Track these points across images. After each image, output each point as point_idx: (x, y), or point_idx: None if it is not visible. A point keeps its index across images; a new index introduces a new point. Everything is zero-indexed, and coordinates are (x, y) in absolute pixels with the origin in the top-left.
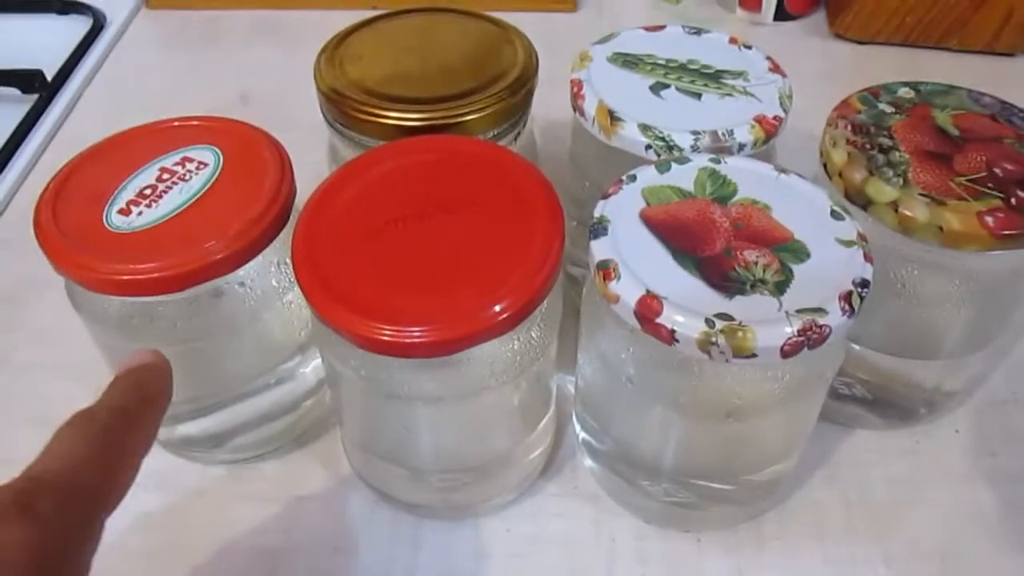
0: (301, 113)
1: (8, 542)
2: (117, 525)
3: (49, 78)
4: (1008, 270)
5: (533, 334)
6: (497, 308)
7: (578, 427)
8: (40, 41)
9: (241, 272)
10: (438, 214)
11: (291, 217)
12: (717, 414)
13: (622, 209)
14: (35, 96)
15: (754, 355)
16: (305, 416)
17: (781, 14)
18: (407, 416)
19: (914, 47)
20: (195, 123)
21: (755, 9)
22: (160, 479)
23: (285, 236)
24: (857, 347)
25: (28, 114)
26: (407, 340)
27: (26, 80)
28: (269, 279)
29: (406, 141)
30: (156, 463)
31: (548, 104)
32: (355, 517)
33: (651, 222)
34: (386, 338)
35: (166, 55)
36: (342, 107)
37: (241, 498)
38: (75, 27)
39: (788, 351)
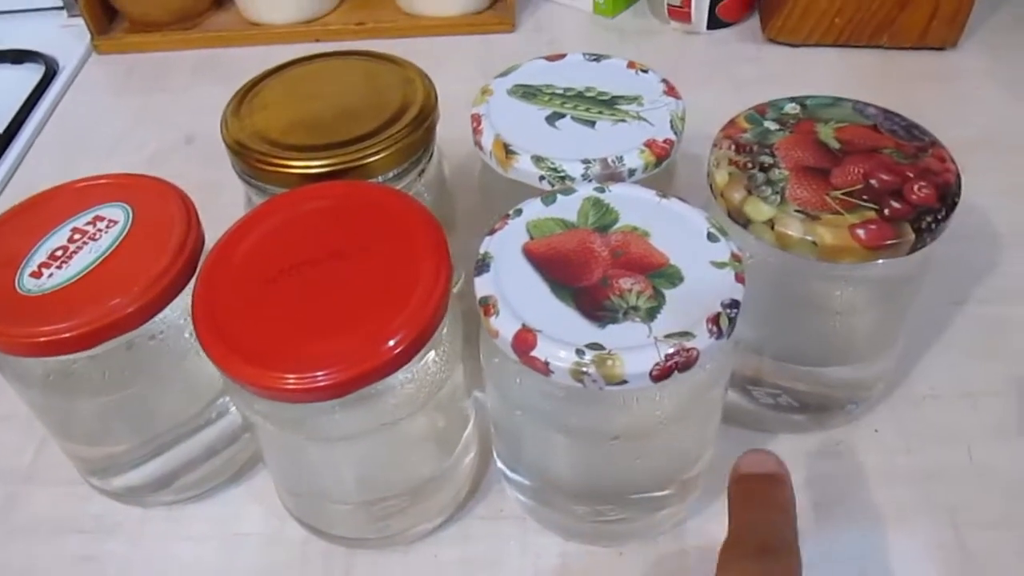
0: None
1: None
2: (57, 570)
3: (1, 128)
4: (891, 277)
5: (432, 363)
6: (391, 343)
7: (496, 454)
8: None
9: (151, 325)
10: (331, 260)
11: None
12: (605, 436)
13: (505, 244)
14: None
15: (625, 381)
16: (246, 448)
17: (714, 22)
18: (321, 454)
19: (847, 47)
20: (107, 181)
21: (685, 20)
22: (99, 524)
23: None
24: (768, 358)
25: None
26: (310, 386)
27: None
28: (182, 329)
29: (303, 189)
30: (96, 508)
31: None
32: (289, 552)
33: (532, 256)
34: (288, 386)
35: (115, 99)
36: (247, 159)
37: (180, 538)
38: (29, 76)
39: (658, 376)
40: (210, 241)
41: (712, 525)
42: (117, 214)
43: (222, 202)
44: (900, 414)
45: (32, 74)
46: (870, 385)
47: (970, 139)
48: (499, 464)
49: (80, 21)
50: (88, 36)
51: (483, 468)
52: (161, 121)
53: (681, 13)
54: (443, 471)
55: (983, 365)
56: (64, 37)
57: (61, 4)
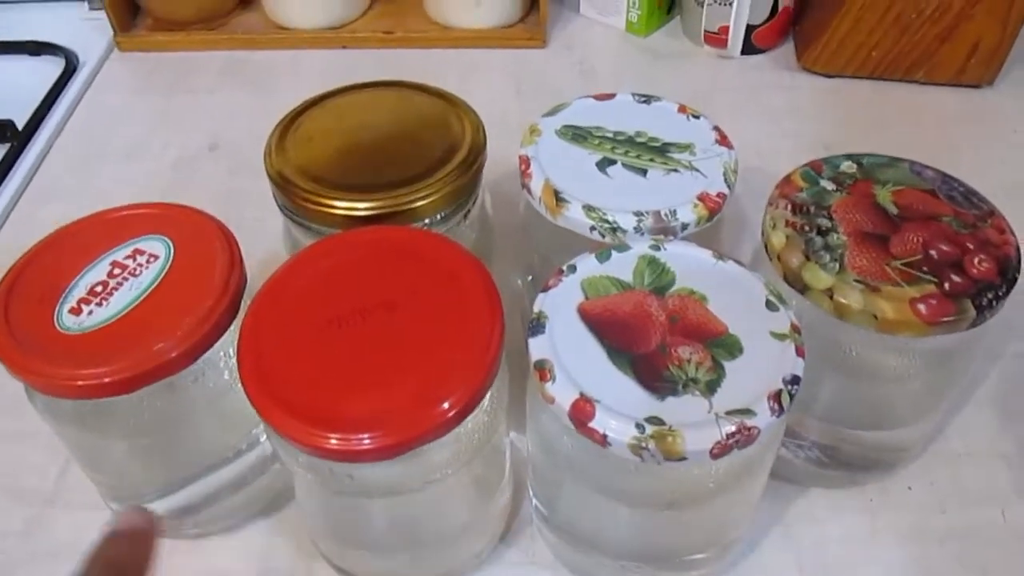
0: None
1: None
2: None
3: (21, 124)
4: (947, 349)
5: (483, 419)
6: (445, 405)
7: (531, 493)
8: (13, 82)
9: (194, 366)
10: (381, 311)
11: (243, 305)
12: (656, 504)
13: (560, 304)
14: (7, 145)
15: (684, 458)
16: (276, 479)
17: (749, 48)
18: (361, 507)
19: (881, 80)
20: (146, 211)
21: (721, 46)
22: None
23: (236, 324)
24: (810, 417)
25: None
26: (355, 448)
27: None
28: (221, 370)
29: (352, 233)
30: None
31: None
32: None
33: (588, 317)
34: (334, 445)
35: (137, 100)
36: (290, 195)
37: (206, 572)
38: (48, 69)
39: (718, 453)
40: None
41: None
42: (157, 248)
43: (249, 214)
44: (934, 471)
45: (51, 67)
46: (909, 447)
47: (1008, 184)
48: (535, 503)
49: (101, 14)
50: (110, 30)
51: (516, 508)
52: (184, 125)
53: (718, 39)
54: (479, 515)
55: (1017, 424)
56: (85, 30)
57: None
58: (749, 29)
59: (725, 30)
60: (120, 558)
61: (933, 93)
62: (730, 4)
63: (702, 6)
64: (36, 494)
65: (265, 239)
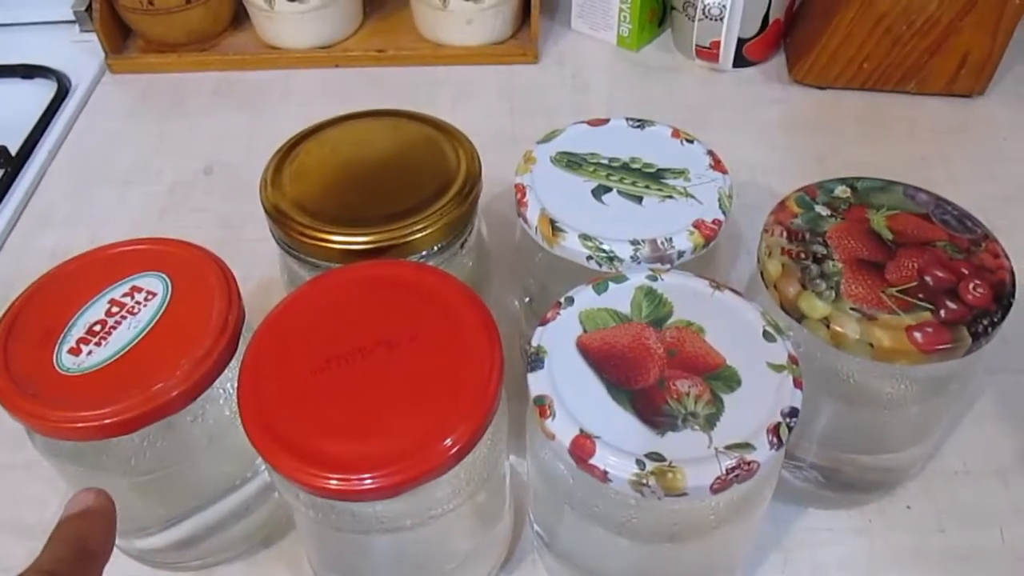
0: None
1: None
2: None
3: (15, 149)
4: (944, 375)
5: (484, 452)
6: (447, 443)
7: (532, 519)
8: (5, 106)
9: (193, 405)
10: (379, 348)
11: (241, 340)
12: (657, 537)
13: (559, 337)
14: (1, 171)
15: (684, 494)
16: (277, 508)
17: (740, 61)
18: (362, 542)
19: (873, 91)
20: (143, 247)
21: (713, 60)
22: None
23: (236, 360)
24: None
25: None
26: (357, 488)
27: None
28: (221, 406)
29: (348, 270)
30: (122, 570)
31: (506, 168)
32: None
33: (587, 351)
34: (336, 486)
35: (130, 123)
36: (287, 229)
37: None
38: (40, 92)
39: (718, 488)
40: (240, 282)
41: None
42: (155, 285)
43: (246, 237)
44: (933, 490)
45: (43, 90)
46: (908, 467)
47: (999, 195)
48: (536, 530)
49: (92, 36)
50: (101, 52)
51: (517, 533)
52: (179, 148)
53: (709, 54)
54: (481, 543)
55: (1015, 441)
56: (76, 52)
57: (72, 18)
58: (740, 42)
59: (716, 45)
60: (80, 535)
61: (925, 103)
62: (721, 19)
63: (693, 21)
64: (36, 527)
65: (262, 263)
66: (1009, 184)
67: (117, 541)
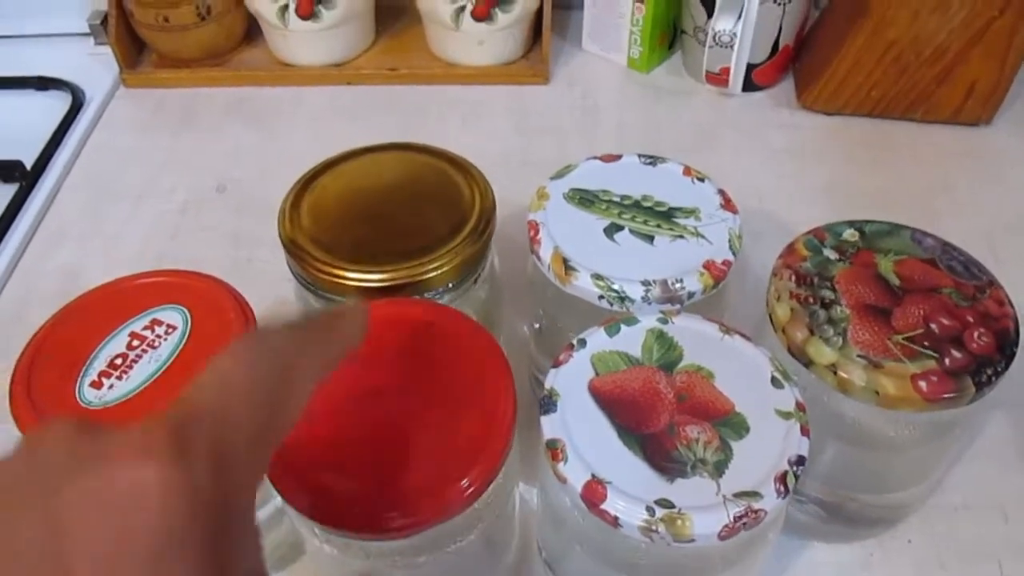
0: (276, 201)
1: (160, 486)
2: None
3: (30, 163)
4: (948, 420)
5: (496, 488)
6: (464, 483)
7: (539, 547)
8: (20, 118)
9: None
10: (395, 388)
11: None
12: None
13: (571, 381)
14: (15, 185)
15: (692, 540)
16: (288, 533)
17: (749, 85)
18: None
19: (880, 118)
20: (162, 279)
21: (722, 85)
22: None
23: None
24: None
25: (9, 205)
26: (375, 527)
27: (6, 170)
28: None
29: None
30: None
31: (515, 190)
32: None
33: (599, 395)
34: (351, 525)
35: (144, 139)
36: (303, 264)
37: None
38: (55, 104)
39: (725, 535)
40: (250, 298)
41: None
42: (175, 318)
43: (258, 256)
44: (933, 525)
45: (58, 102)
46: (909, 505)
47: (1003, 224)
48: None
49: (107, 49)
50: (116, 65)
51: (526, 559)
52: (192, 165)
53: (719, 80)
54: (490, 571)
55: (1014, 476)
56: (90, 65)
57: (87, 31)
58: (750, 68)
59: (726, 71)
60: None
61: (932, 131)
62: (731, 47)
63: (703, 46)
64: None
65: (275, 282)
66: (1015, 213)
67: None
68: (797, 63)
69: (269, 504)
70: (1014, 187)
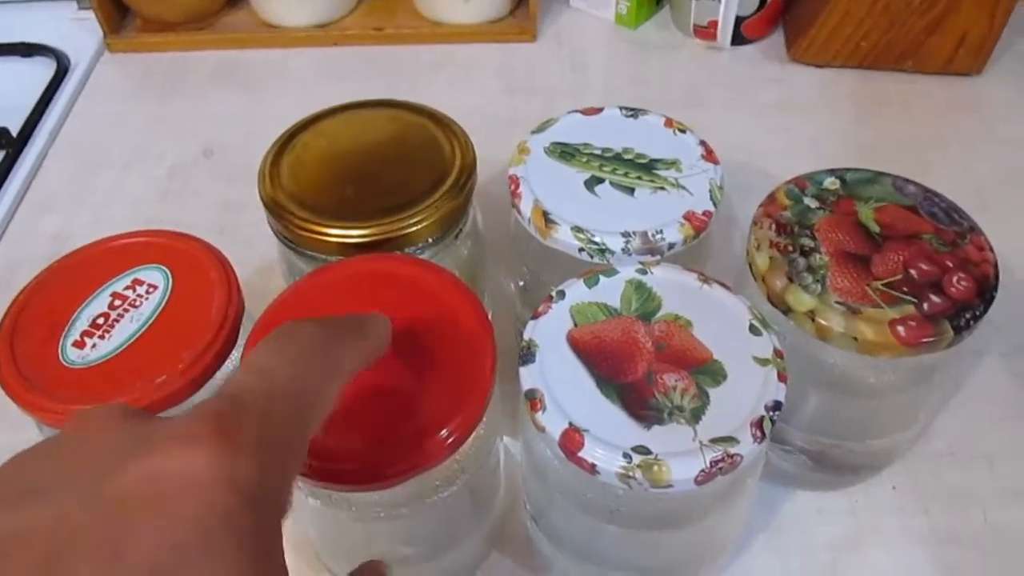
0: None
1: (209, 474)
2: None
3: (15, 130)
4: (928, 365)
5: (477, 441)
6: (443, 433)
7: (525, 500)
8: (4, 86)
9: (195, 396)
10: None
11: (241, 332)
12: (644, 525)
13: (550, 332)
14: (2, 152)
15: (670, 486)
16: None
17: (738, 38)
18: (362, 528)
19: (871, 70)
20: (143, 240)
21: (710, 39)
22: None
23: (236, 352)
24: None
25: None
26: (356, 478)
27: None
28: None
29: (345, 265)
30: None
31: (503, 149)
32: None
33: (577, 345)
34: (333, 477)
35: (130, 104)
36: (284, 222)
37: None
38: (40, 71)
39: (702, 480)
40: (237, 267)
41: None
42: (156, 278)
43: (245, 220)
44: (918, 472)
45: (42, 68)
46: (894, 450)
47: (992, 176)
48: (528, 511)
49: (90, 14)
50: (100, 30)
51: (512, 513)
52: (178, 130)
53: (707, 33)
54: (476, 524)
55: (1000, 424)
56: (75, 31)
57: None
58: (739, 20)
59: (714, 24)
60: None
61: (922, 83)
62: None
63: None
64: None
65: (262, 245)
66: (1004, 164)
67: None
68: (787, 15)
69: None
70: (1004, 138)
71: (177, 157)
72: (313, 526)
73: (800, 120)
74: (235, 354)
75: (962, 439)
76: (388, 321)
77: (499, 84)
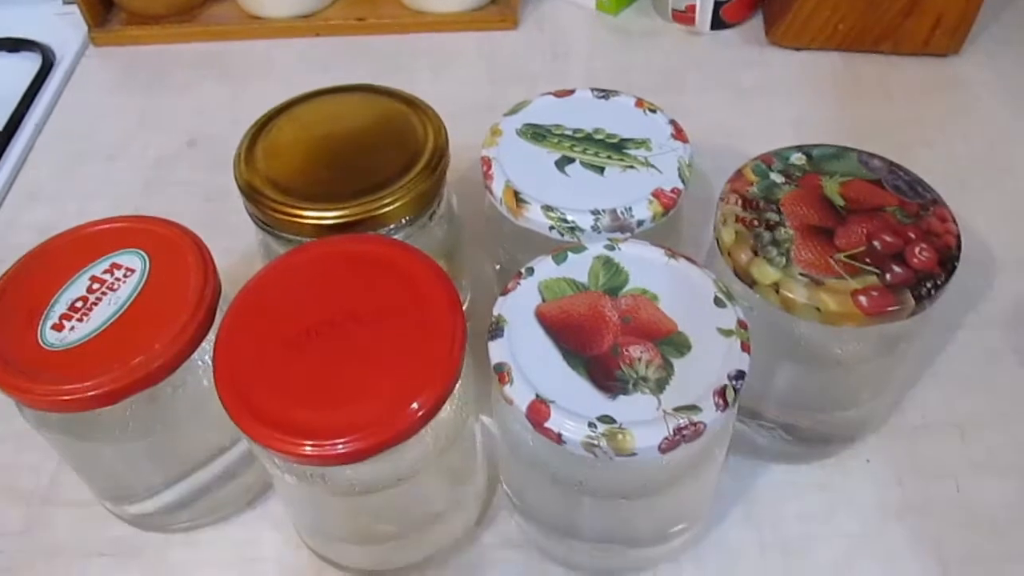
0: None
1: None
2: None
3: (1, 124)
4: (892, 335)
5: (450, 415)
6: (414, 406)
7: (503, 480)
8: None
9: (172, 377)
10: (348, 321)
11: (219, 314)
12: (614, 495)
13: (518, 307)
14: None
15: (634, 454)
16: (261, 473)
17: (718, 23)
18: (339, 505)
19: (849, 52)
20: (121, 225)
21: (689, 24)
22: (119, 548)
23: (213, 331)
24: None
25: None
26: (328, 453)
27: None
28: (200, 377)
29: (319, 245)
30: (115, 532)
31: (483, 136)
32: None
33: (545, 320)
34: (308, 452)
35: (115, 97)
36: (260, 205)
37: (200, 564)
38: (25, 65)
39: (666, 448)
40: (220, 256)
41: (709, 557)
42: (134, 262)
43: (230, 209)
44: (892, 444)
45: (28, 63)
46: (867, 420)
47: (969, 155)
48: (505, 489)
49: (75, 8)
50: (84, 24)
51: (491, 491)
52: (163, 121)
53: (685, 18)
54: (454, 502)
55: (973, 396)
56: (60, 25)
57: None
58: (717, 4)
59: (693, 9)
60: None
61: (901, 64)
62: None
63: None
64: (33, 493)
65: (246, 235)
66: (982, 143)
67: (110, 506)
68: None
69: (239, 446)
70: (983, 117)
71: (161, 148)
72: (291, 504)
73: (779, 103)
74: (212, 335)
75: (935, 411)
76: None
77: (480, 72)
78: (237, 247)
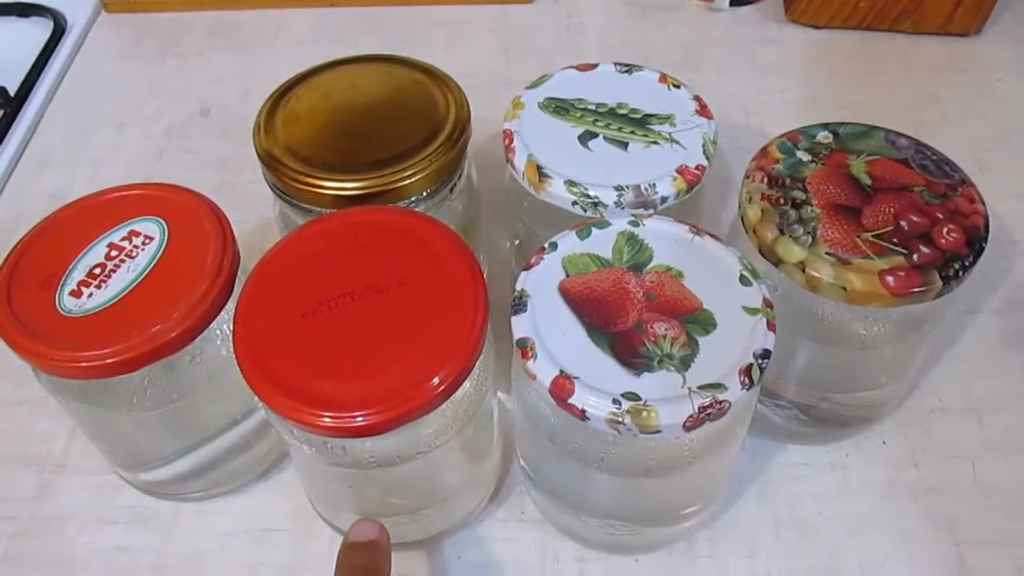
0: None
1: None
2: (93, 556)
3: (13, 89)
4: (917, 316)
5: (470, 391)
6: (434, 381)
7: (519, 455)
8: (2, 46)
9: (191, 346)
10: (369, 292)
11: (236, 284)
12: (634, 472)
13: (542, 282)
14: (0, 112)
15: (659, 431)
16: (276, 443)
17: (736, 0)
18: (355, 476)
19: (869, 30)
20: (139, 192)
21: (708, 0)
22: (133, 515)
23: (232, 301)
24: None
25: None
26: (348, 425)
27: None
28: (219, 346)
29: (339, 215)
30: (128, 499)
31: (499, 110)
32: (317, 549)
33: (569, 295)
34: (328, 423)
35: (127, 64)
36: (280, 175)
37: (212, 532)
38: (37, 30)
39: (690, 426)
40: (234, 226)
41: (723, 535)
42: (152, 229)
43: (243, 178)
44: (908, 426)
45: (39, 28)
46: (885, 403)
47: (990, 136)
48: (522, 464)
49: None
50: None
51: (506, 466)
52: (175, 89)
53: None
54: (470, 477)
55: (991, 379)
56: None
57: None
58: None
59: None
60: (369, 565)
61: (921, 43)
62: None
63: None
64: (46, 460)
65: (259, 203)
66: (1002, 124)
67: (123, 473)
68: None
69: (255, 416)
70: (1002, 97)
71: (174, 116)
72: (306, 475)
73: (797, 81)
74: (230, 304)
75: (953, 394)
76: (385, 544)
77: (496, 45)
78: (250, 217)
